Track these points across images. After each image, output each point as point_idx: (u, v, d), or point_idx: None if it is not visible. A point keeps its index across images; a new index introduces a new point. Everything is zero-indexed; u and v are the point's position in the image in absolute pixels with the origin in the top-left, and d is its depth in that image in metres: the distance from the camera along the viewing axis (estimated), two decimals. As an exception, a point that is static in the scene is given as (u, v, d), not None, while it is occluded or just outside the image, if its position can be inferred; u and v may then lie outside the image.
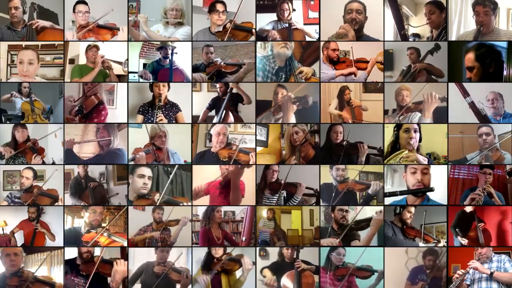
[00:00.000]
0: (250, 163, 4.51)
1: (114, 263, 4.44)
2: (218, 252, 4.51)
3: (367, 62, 4.59)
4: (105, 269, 4.46)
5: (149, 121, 4.59)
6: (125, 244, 4.54)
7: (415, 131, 4.49)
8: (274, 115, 4.61)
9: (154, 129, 4.57)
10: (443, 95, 4.51)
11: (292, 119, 4.58)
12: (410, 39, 4.59)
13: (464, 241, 4.47)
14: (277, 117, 4.61)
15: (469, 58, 4.44)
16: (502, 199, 4.49)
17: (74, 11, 4.57)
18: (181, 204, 4.53)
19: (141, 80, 4.60)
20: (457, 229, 4.49)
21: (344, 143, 4.54)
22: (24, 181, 4.55)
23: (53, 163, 4.57)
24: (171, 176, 4.51)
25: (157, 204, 4.51)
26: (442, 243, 4.49)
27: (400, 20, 4.55)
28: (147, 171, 4.52)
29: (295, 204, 4.55)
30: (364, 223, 4.53)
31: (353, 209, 4.53)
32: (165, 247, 4.52)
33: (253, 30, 4.56)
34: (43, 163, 4.57)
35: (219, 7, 4.58)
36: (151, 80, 4.59)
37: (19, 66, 4.54)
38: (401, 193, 4.50)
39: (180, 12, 4.61)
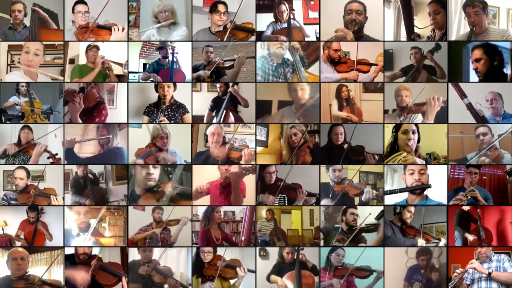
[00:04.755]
0: (245, 160, 4.50)
1: (123, 279, 4.39)
2: (207, 257, 4.50)
3: (369, 64, 4.58)
4: (102, 278, 4.40)
5: (155, 122, 4.59)
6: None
7: (413, 133, 4.49)
8: (300, 118, 4.59)
9: (156, 130, 4.57)
10: (442, 95, 4.52)
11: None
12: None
13: (472, 237, 4.46)
14: (302, 119, 4.61)
15: (477, 52, 4.48)
16: (489, 198, 4.49)
17: (73, 12, 4.56)
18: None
19: (141, 80, 4.61)
20: (460, 227, 4.50)
21: (345, 145, 4.53)
22: (18, 182, 4.54)
23: (53, 163, 4.57)
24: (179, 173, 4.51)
25: (169, 195, 4.47)
26: (443, 242, 4.49)
27: (411, 24, 4.56)
28: (149, 160, 4.53)
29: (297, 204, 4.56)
30: (373, 226, 4.54)
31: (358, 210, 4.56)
32: (166, 247, 4.52)
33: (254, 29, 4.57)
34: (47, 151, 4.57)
35: (221, 7, 4.58)
36: (159, 81, 4.59)
37: (24, 55, 4.54)
38: (400, 190, 4.51)
39: (170, 12, 4.60)
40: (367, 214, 4.51)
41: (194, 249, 4.53)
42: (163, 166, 4.54)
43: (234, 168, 4.46)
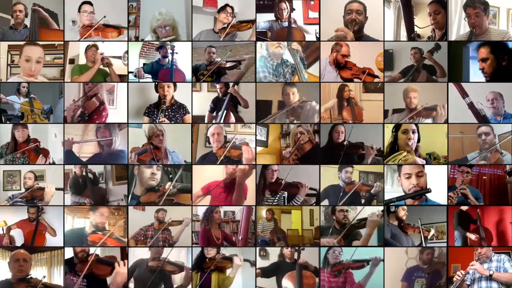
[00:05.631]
0: (244, 157, 4.50)
1: (115, 265, 4.42)
2: (210, 252, 4.51)
3: (374, 76, 4.57)
4: (100, 270, 4.42)
5: (155, 123, 4.59)
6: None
7: (413, 132, 4.49)
8: (289, 117, 4.61)
9: (151, 129, 4.57)
10: (442, 95, 4.52)
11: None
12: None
13: (474, 236, 4.46)
14: (292, 118, 4.62)
15: (483, 51, 4.45)
16: (480, 197, 4.50)
17: (79, 11, 4.56)
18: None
19: (137, 79, 4.60)
20: (461, 227, 4.50)
21: (345, 142, 4.55)
22: (27, 181, 4.55)
23: (53, 163, 4.57)
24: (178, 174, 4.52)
25: (168, 194, 4.47)
26: (432, 232, 4.49)
27: (411, 23, 4.56)
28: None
29: (297, 204, 4.55)
30: (365, 221, 4.54)
31: (352, 209, 4.54)
32: (166, 247, 4.52)
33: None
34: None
35: (229, 9, 4.64)
36: (145, 80, 4.58)
37: (26, 64, 4.51)
38: (398, 199, 4.49)
39: (171, 28, 4.60)
40: (358, 211, 4.52)
41: (195, 249, 4.54)
42: (163, 166, 4.54)
43: (240, 167, 4.46)
